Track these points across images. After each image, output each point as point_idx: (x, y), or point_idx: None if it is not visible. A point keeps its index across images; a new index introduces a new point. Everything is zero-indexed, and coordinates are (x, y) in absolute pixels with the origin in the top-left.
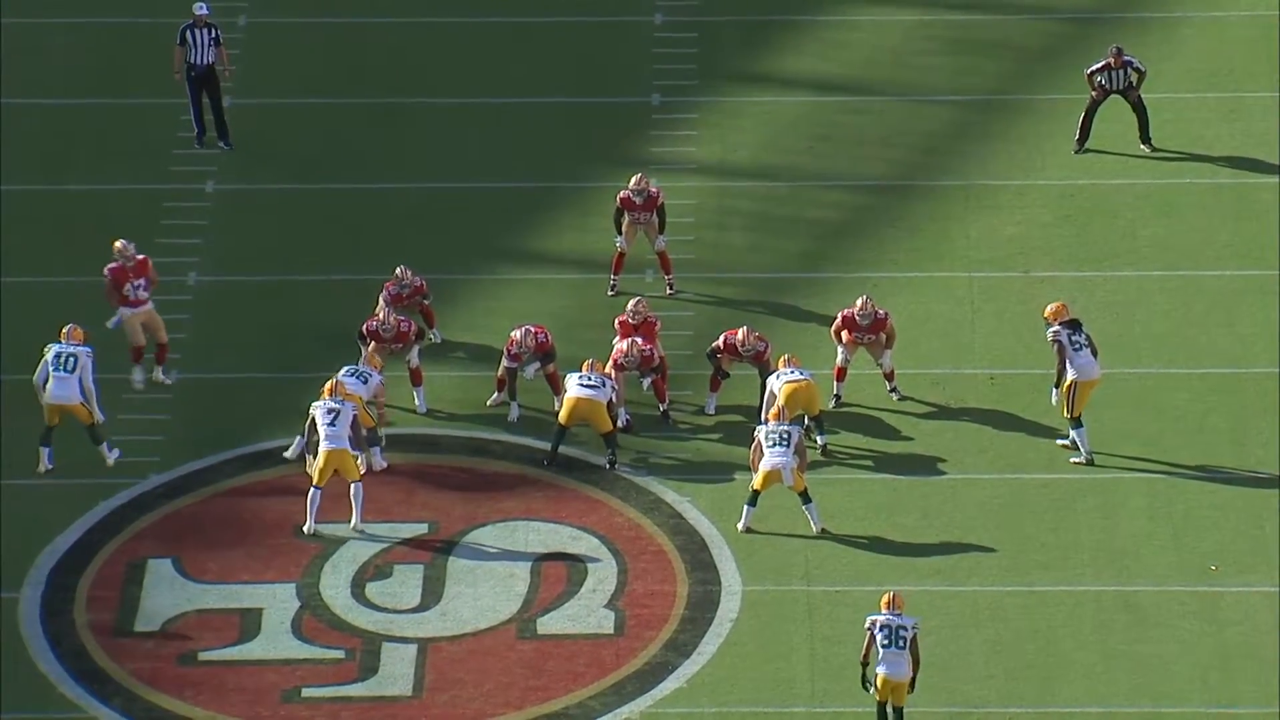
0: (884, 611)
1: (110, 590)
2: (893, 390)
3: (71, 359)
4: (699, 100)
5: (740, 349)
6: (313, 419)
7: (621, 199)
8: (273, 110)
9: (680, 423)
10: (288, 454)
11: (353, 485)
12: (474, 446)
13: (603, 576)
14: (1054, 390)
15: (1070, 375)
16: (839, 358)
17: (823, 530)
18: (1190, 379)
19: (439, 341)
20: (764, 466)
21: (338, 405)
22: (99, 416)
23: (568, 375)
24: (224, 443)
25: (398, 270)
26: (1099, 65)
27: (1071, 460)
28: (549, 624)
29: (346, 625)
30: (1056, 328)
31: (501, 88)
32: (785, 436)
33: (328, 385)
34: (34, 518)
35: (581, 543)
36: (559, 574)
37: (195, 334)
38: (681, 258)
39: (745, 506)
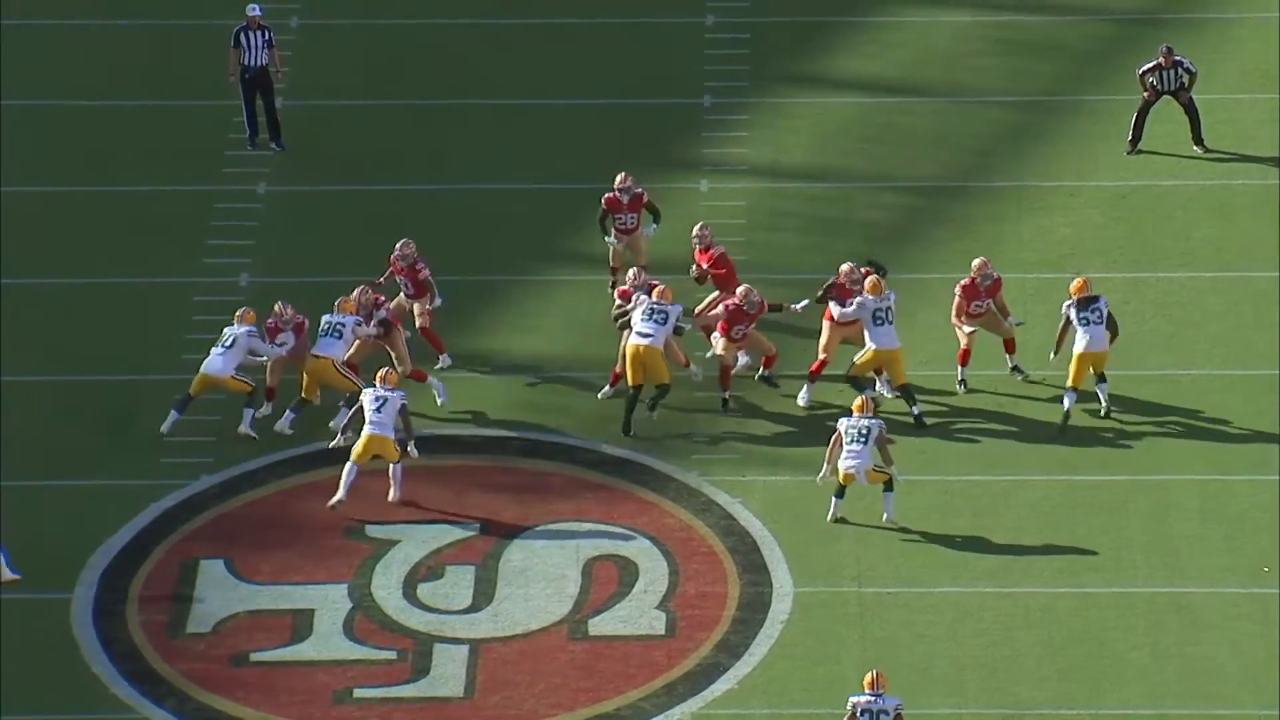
0: (866, 692)
1: (162, 591)
2: (1015, 369)
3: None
4: (750, 101)
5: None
6: (361, 405)
7: (607, 199)
8: (324, 111)
9: (728, 430)
10: (333, 426)
11: (393, 466)
12: (525, 448)
13: (654, 578)
14: (1052, 353)
15: (1075, 348)
16: (962, 340)
17: (893, 523)
18: (1243, 380)
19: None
20: (841, 467)
21: (386, 393)
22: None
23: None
24: (276, 444)
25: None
26: (1150, 65)
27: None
28: (600, 625)
29: (398, 626)
30: (1069, 302)
31: (552, 89)
32: (865, 432)
33: (380, 373)
34: (86, 518)
35: (633, 544)
36: (610, 575)
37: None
38: (734, 259)
39: (833, 498)
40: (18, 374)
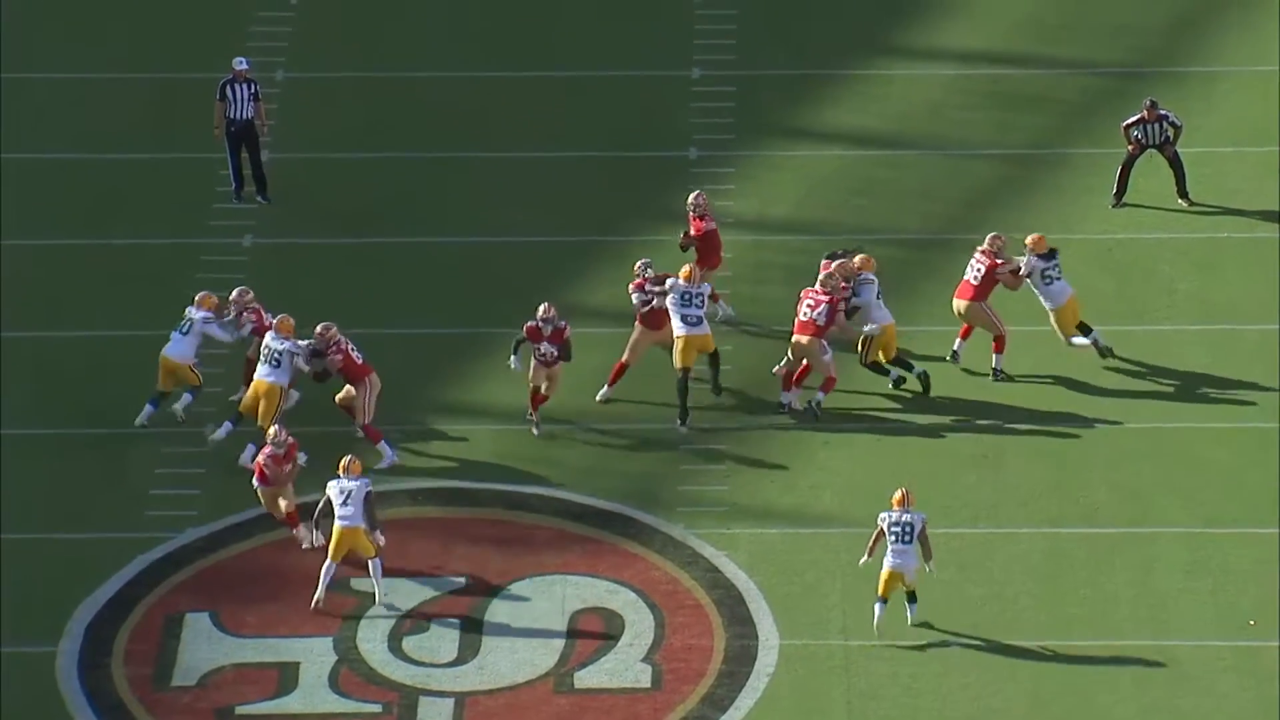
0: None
1: (148, 644)
2: (996, 370)
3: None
4: (736, 154)
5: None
6: (328, 498)
7: (528, 329)
8: (310, 164)
9: (713, 483)
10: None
11: (370, 562)
12: (511, 500)
13: (640, 630)
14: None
15: (1048, 305)
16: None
17: (920, 624)
18: (1229, 433)
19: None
20: (886, 566)
21: (351, 484)
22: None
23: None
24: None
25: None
26: (1134, 119)
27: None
28: (586, 678)
29: (383, 679)
30: (1032, 258)
31: (539, 142)
32: (909, 529)
33: (343, 462)
34: (71, 571)
35: (618, 597)
36: (596, 627)
37: (232, 387)
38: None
39: (876, 605)
40: (7, 427)
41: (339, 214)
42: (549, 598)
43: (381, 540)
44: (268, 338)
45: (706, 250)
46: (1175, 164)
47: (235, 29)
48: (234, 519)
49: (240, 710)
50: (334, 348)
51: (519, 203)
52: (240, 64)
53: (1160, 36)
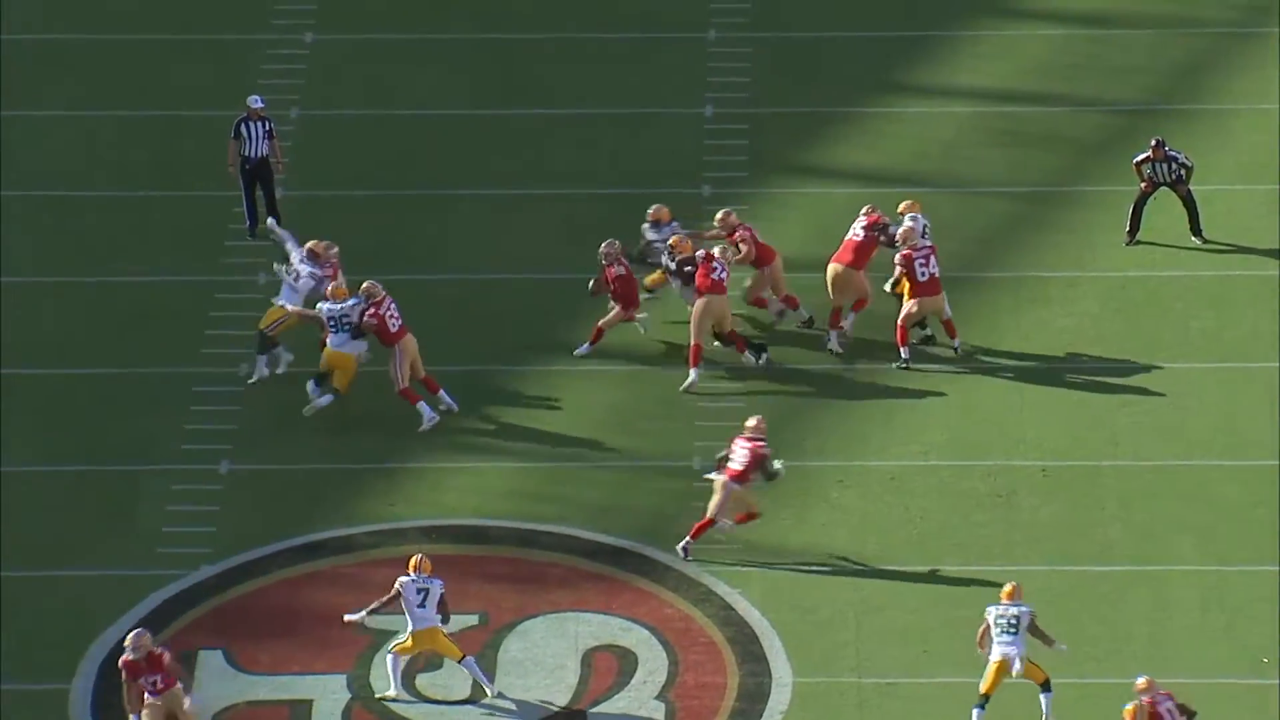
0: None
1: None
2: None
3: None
4: (749, 191)
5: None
6: (398, 591)
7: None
8: (323, 202)
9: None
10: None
11: (467, 661)
12: (523, 537)
13: (653, 668)
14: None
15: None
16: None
17: None
18: (1242, 471)
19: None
20: (992, 658)
21: (427, 585)
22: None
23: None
24: (275, 534)
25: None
26: (1143, 156)
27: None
28: (600, 716)
29: (397, 717)
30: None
31: (551, 179)
32: (1015, 621)
33: (413, 561)
34: (85, 609)
35: (632, 634)
36: (609, 665)
37: (246, 424)
38: (733, 350)
39: (974, 710)
40: (18, 464)
41: (352, 251)
42: (562, 635)
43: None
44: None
45: (626, 295)
46: (1188, 203)
47: (250, 67)
48: (247, 556)
49: None
50: (371, 306)
51: (532, 240)
52: (255, 102)
53: (1172, 75)
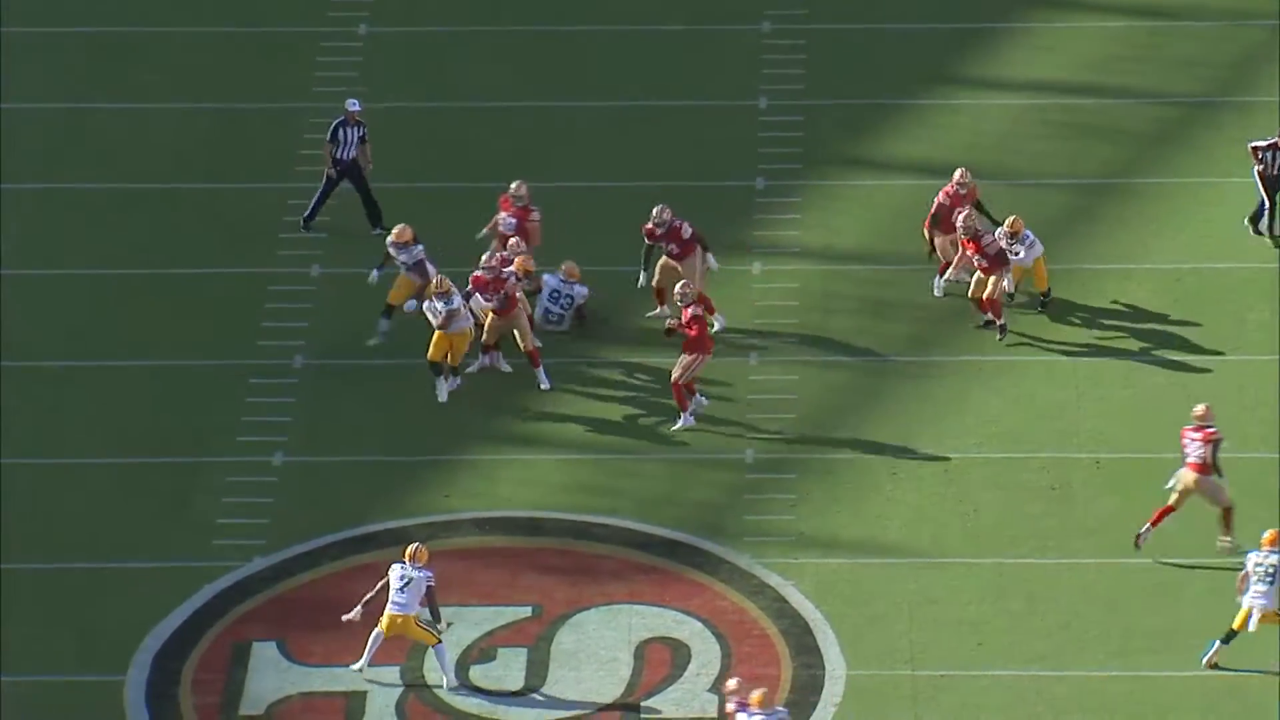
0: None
1: (215, 673)
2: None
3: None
4: (803, 184)
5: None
6: (387, 579)
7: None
8: (380, 194)
9: (779, 513)
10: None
11: (435, 650)
12: (577, 529)
13: (706, 660)
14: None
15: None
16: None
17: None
18: None
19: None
20: (1243, 604)
21: (413, 573)
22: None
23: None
24: (328, 525)
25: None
26: (1265, 143)
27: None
28: (653, 708)
29: (451, 709)
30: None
31: (605, 171)
32: (1272, 572)
33: (409, 550)
34: (139, 601)
35: (685, 627)
36: (663, 658)
37: (300, 416)
38: (784, 340)
39: (1216, 641)
40: (74, 456)
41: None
42: (615, 627)
43: (444, 627)
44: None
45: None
46: (1272, 198)
47: (304, 59)
48: (301, 548)
49: None
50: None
51: (585, 233)
52: (352, 105)
53: (1231, 67)
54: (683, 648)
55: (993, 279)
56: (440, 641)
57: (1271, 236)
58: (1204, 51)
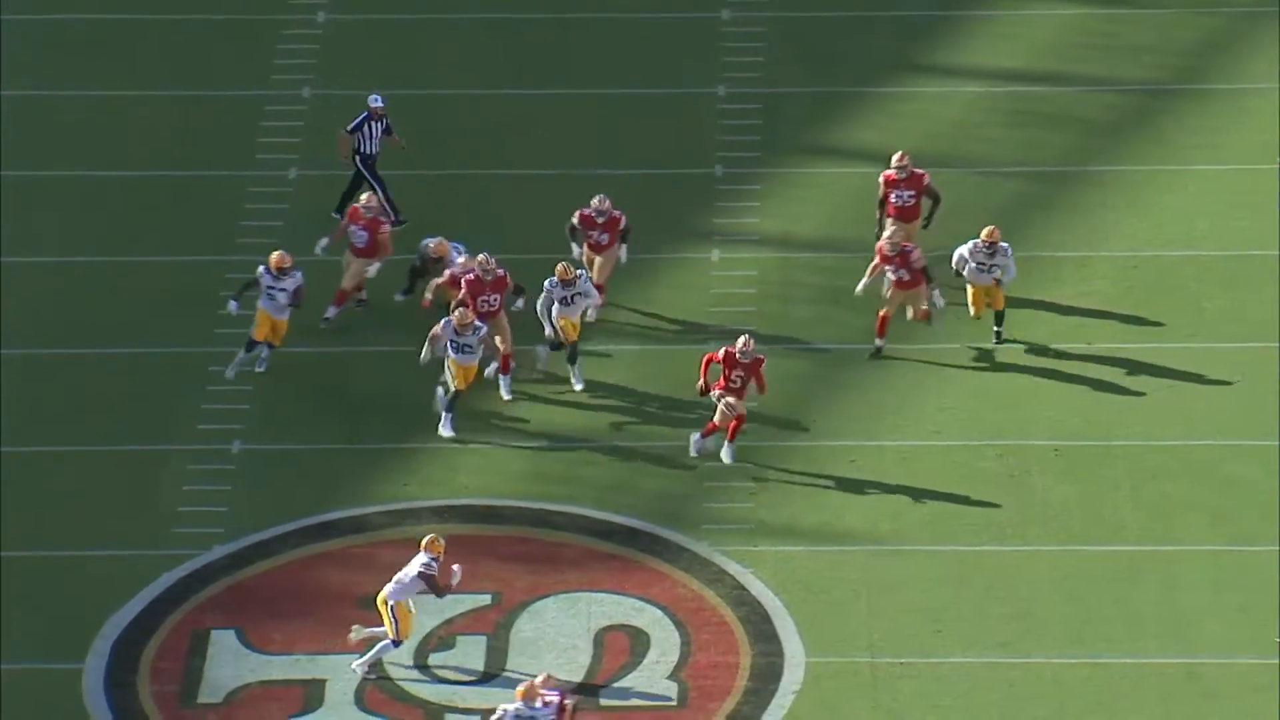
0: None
1: (174, 661)
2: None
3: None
4: (762, 171)
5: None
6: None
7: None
8: (338, 180)
9: (739, 501)
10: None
11: (383, 643)
12: (536, 517)
13: (666, 648)
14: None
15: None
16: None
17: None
18: (1255, 450)
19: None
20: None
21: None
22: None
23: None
24: (288, 514)
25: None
26: None
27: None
28: (611, 696)
29: (410, 696)
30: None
31: (566, 160)
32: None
33: (425, 540)
34: (98, 588)
35: (644, 614)
36: (622, 645)
37: (259, 405)
38: (742, 328)
39: None
40: (35, 444)
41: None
42: (575, 615)
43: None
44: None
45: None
46: None
47: (264, 46)
48: (260, 536)
49: None
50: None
51: (544, 221)
52: (375, 101)
53: (1185, 54)
54: (642, 635)
55: (911, 296)
56: (398, 639)
57: None
58: (1161, 39)
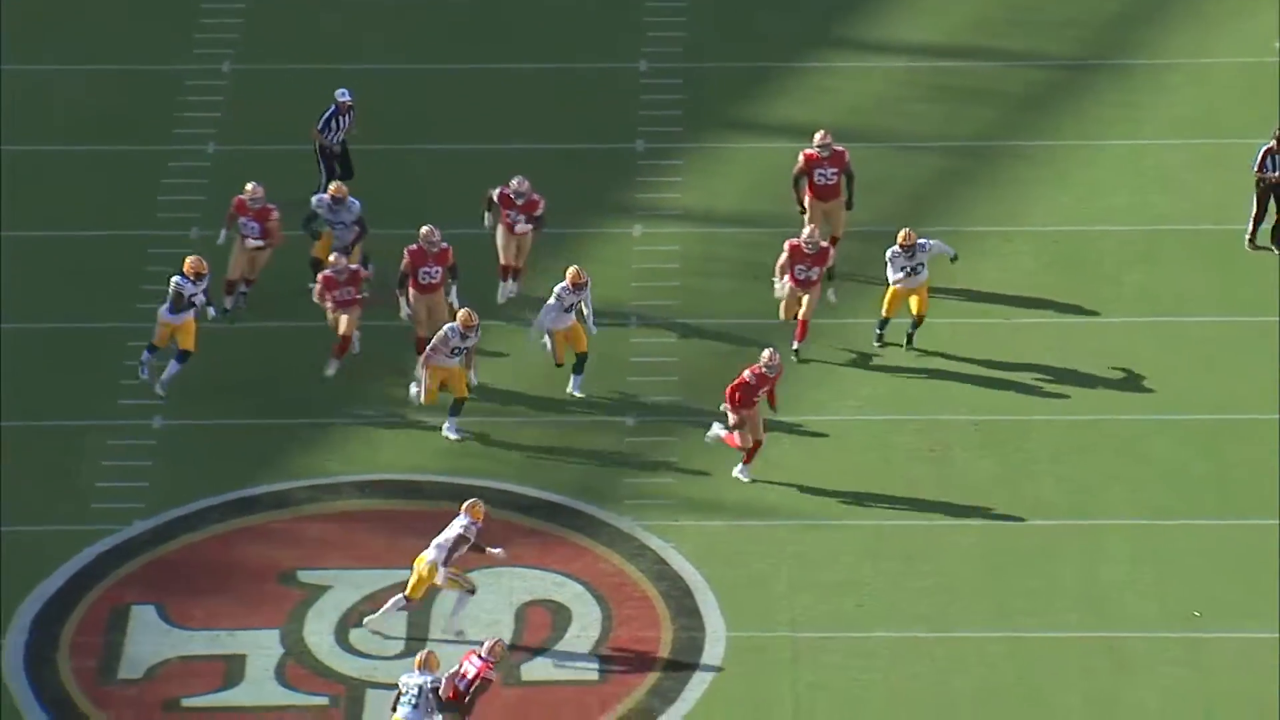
0: None
1: (94, 637)
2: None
3: None
4: (684, 147)
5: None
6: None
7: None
8: (261, 156)
9: (660, 475)
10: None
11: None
12: (458, 492)
13: (587, 623)
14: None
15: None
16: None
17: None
18: (1174, 425)
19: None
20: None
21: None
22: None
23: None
24: (208, 489)
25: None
26: (1263, 149)
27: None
28: (533, 670)
29: (331, 672)
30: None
31: (487, 134)
32: None
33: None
34: (17, 564)
35: (565, 589)
36: (543, 620)
37: (181, 380)
38: (665, 303)
39: None
40: None
41: (290, 207)
42: (496, 590)
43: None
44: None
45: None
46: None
47: (183, 21)
48: (181, 511)
49: (186, 703)
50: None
51: (465, 195)
52: (342, 95)
53: (1107, 29)
54: (563, 610)
55: (808, 295)
56: (472, 591)
57: (1275, 242)
58: (1081, 13)
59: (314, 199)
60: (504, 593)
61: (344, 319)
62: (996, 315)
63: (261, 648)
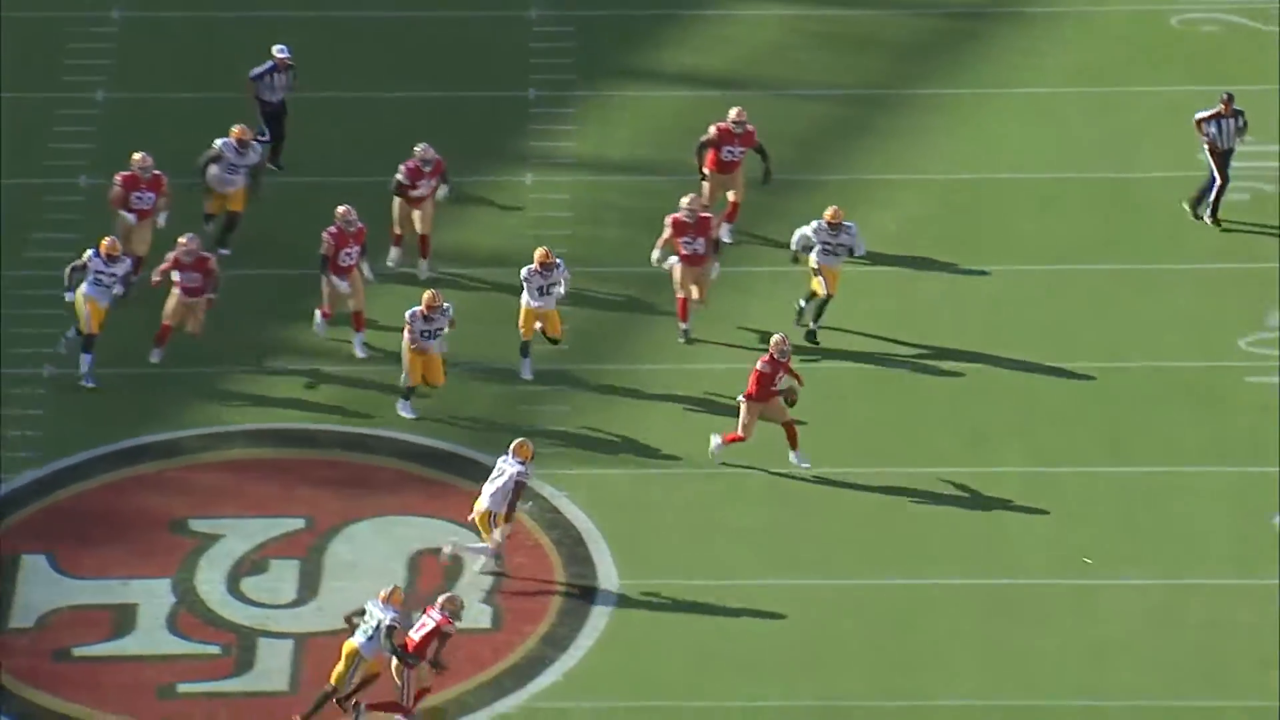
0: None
1: None
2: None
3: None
4: (576, 95)
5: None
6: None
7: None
8: (153, 104)
9: (553, 423)
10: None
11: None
12: (351, 441)
13: (479, 571)
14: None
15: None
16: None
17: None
18: (1068, 373)
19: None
20: None
21: (505, 467)
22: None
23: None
24: (100, 438)
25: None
26: (1209, 113)
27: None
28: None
29: (222, 620)
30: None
31: (379, 83)
32: None
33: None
34: None
35: (458, 538)
36: (435, 569)
37: (68, 328)
38: (558, 251)
39: None
40: None
41: (183, 155)
42: (389, 539)
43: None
44: None
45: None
46: (1224, 173)
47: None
48: (71, 460)
49: (77, 652)
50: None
51: (351, 145)
52: (281, 51)
53: None
54: (455, 559)
55: (697, 274)
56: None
57: (1214, 219)
58: None
59: (218, 141)
60: (396, 541)
61: (185, 310)
62: (887, 263)
63: (153, 596)
